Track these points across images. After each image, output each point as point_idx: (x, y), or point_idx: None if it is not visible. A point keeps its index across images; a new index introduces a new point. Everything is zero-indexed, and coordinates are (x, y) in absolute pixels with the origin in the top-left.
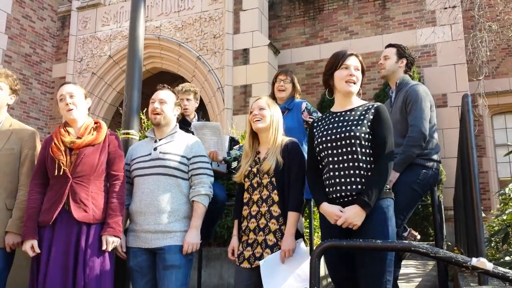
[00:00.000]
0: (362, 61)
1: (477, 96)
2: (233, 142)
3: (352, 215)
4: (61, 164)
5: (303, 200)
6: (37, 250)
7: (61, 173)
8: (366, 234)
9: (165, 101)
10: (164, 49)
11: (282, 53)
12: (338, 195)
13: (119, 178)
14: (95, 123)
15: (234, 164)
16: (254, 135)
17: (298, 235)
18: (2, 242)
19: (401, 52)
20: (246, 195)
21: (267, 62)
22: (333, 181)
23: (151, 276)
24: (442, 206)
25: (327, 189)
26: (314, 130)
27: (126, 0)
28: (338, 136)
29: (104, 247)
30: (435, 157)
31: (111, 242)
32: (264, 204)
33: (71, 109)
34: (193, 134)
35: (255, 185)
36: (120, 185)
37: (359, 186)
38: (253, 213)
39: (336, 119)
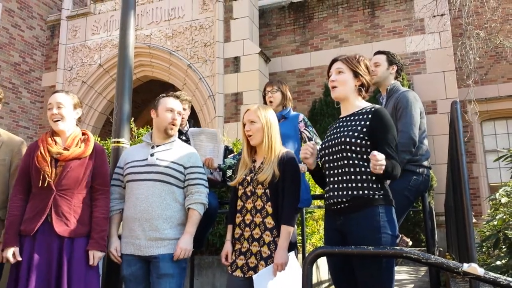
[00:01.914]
0: (351, 62)
1: (466, 103)
2: (227, 151)
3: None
4: (46, 176)
5: (296, 213)
6: (18, 258)
7: (45, 184)
8: (357, 242)
9: (181, 113)
10: (154, 57)
11: (273, 61)
12: (333, 201)
13: (103, 193)
14: (83, 134)
15: (229, 173)
16: (251, 146)
17: (291, 246)
18: None
19: (391, 59)
20: (239, 203)
21: (258, 70)
22: (329, 187)
23: (145, 284)
24: (433, 212)
25: (326, 195)
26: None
27: (116, 9)
28: (332, 142)
29: (91, 262)
30: (425, 163)
31: (97, 257)
32: (258, 214)
33: (57, 120)
34: (186, 142)
35: (249, 193)
36: (104, 199)
37: (350, 192)
38: (247, 222)
39: (338, 124)
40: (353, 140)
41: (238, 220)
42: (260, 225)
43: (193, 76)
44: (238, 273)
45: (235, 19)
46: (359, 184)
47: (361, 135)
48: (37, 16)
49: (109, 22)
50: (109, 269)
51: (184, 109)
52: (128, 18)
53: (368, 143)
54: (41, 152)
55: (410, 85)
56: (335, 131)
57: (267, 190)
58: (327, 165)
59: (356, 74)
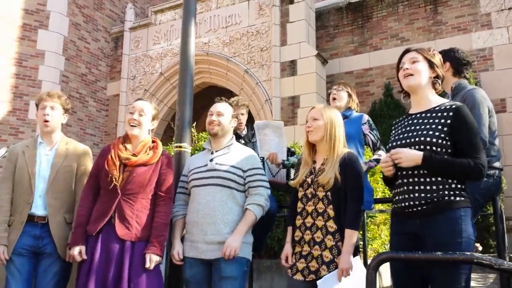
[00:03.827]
0: (427, 52)
1: None
2: (289, 152)
3: (406, 153)
4: (114, 179)
5: (361, 216)
6: (84, 256)
7: (111, 187)
8: (436, 245)
9: (222, 113)
10: (212, 64)
11: (330, 62)
12: (407, 204)
13: (165, 199)
14: (153, 141)
15: (292, 175)
16: (311, 145)
17: (355, 250)
18: (63, 253)
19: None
20: (300, 205)
21: (315, 73)
22: (402, 188)
23: (206, 287)
24: (504, 216)
25: (396, 197)
26: (391, 133)
27: (176, 19)
28: (408, 141)
29: (147, 265)
30: (496, 164)
31: (154, 260)
32: (320, 217)
33: (134, 126)
34: (245, 145)
35: (309, 196)
36: (166, 206)
37: (429, 194)
38: (308, 225)
39: (410, 121)
40: (434, 140)
41: (298, 222)
42: (322, 229)
43: (250, 81)
44: (298, 276)
45: (291, 22)
46: (440, 186)
47: (442, 135)
48: (102, 28)
49: (169, 32)
50: (172, 272)
51: (242, 114)
52: (189, 26)
53: (449, 143)
54: (111, 156)
55: (477, 82)
56: (408, 128)
57: (329, 193)
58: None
59: (431, 65)
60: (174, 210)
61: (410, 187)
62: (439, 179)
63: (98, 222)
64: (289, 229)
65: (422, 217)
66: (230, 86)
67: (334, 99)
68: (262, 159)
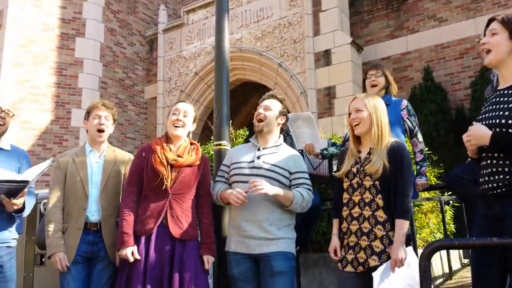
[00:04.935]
0: (508, 19)
1: None
2: (330, 143)
3: (474, 131)
4: (164, 179)
5: (411, 206)
6: (137, 256)
7: (163, 187)
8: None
9: (270, 108)
10: (246, 60)
11: (366, 49)
12: (490, 186)
13: (207, 200)
14: (191, 144)
15: (335, 168)
16: (356, 135)
17: (407, 239)
18: (114, 258)
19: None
20: (345, 196)
21: (351, 61)
22: (486, 170)
23: (255, 283)
24: None
25: (481, 179)
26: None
27: (207, 17)
28: (490, 121)
29: (206, 267)
30: None
31: (211, 261)
32: (367, 207)
33: (179, 127)
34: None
35: (355, 186)
36: (209, 206)
37: (508, 177)
38: (355, 215)
39: (495, 100)
40: (510, 121)
41: (344, 213)
42: (370, 219)
43: (284, 75)
44: (349, 268)
45: (324, 11)
46: None
47: None
48: (136, 32)
49: (202, 31)
50: (220, 270)
51: None
52: (223, 22)
53: None
54: (158, 157)
55: None
56: (491, 107)
57: (376, 182)
58: (485, 146)
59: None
60: (216, 188)
61: (494, 169)
62: None
63: (152, 223)
64: (335, 221)
65: (502, 200)
66: (264, 81)
67: (375, 85)
68: (301, 152)
